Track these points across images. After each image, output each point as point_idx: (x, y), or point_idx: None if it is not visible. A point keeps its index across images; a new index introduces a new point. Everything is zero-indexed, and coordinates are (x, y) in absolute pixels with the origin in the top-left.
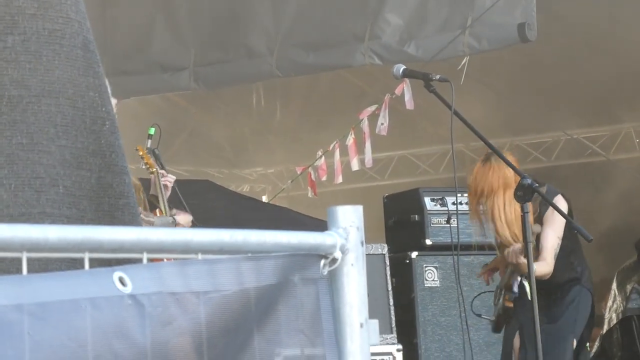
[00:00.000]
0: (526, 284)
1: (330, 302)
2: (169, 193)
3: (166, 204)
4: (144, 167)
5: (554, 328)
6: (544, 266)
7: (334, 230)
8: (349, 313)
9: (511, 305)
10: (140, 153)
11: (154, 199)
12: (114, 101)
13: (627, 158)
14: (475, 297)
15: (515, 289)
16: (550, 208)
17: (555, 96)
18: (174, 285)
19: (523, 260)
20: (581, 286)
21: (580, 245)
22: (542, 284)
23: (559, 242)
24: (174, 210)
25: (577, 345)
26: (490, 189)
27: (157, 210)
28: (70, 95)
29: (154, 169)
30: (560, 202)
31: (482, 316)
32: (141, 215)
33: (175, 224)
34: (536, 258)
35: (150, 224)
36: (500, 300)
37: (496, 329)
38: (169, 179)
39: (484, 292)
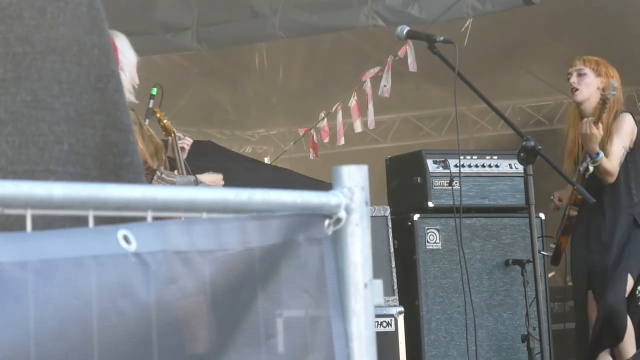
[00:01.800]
0: (591, 168)
1: (334, 262)
2: (185, 155)
3: (184, 166)
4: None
5: (606, 261)
6: (609, 164)
7: (338, 190)
8: (353, 273)
9: (575, 213)
10: (158, 115)
11: (171, 161)
12: (135, 58)
13: None
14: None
15: (582, 168)
16: (618, 119)
17: (557, 59)
18: (179, 244)
19: (596, 130)
20: (635, 223)
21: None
22: (600, 193)
23: (624, 152)
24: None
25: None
26: None
27: (176, 172)
28: (75, 53)
29: (172, 132)
30: (629, 119)
31: (541, 252)
32: (162, 175)
33: (197, 184)
34: None
35: (172, 183)
36: (566, 214)
37: (555, 257)
38: (187, 142)
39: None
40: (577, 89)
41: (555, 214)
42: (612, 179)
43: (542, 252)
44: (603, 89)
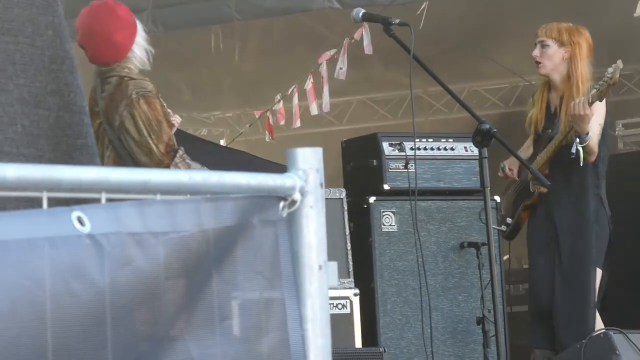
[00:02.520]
0: (581, 148)
1: (289, 244)
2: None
3: None
4: None
5: (574, 252)
6: (594, 143)
7: (293, 172)
8: (307, 255)
9: (545, 190)
10: None
11: None
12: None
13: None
14: (481, 210)
15: (574, 149)
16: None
17: (511, 42)
18: (133, 226)
19: (589, 111)
20: (601, 204)
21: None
22: (567, 172)
23: (600, 129)
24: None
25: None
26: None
27: None
28: (29, 34)
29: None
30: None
31: (494, 227)
32: (184, 155)
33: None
34: None
35: (189, 166)
36: (530, 188)
37: (513, 233)
38: (176, 119)
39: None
40: (539, 62)
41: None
42: (594, 158)
43: (495, 226)
44: (566, 60)
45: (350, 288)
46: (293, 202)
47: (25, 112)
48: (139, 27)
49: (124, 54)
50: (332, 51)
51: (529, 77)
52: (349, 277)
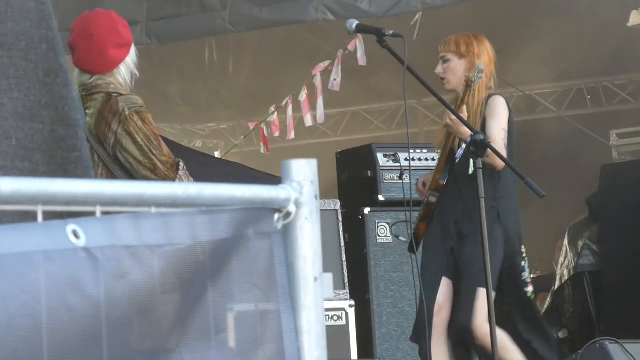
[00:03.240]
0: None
1: (284, 256)
2: None
3: None
4: None
5: (465, 254)
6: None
7: (287, 184)
8: (303, 267)
9: (435, 200)
10: None
11: None
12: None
13: (578, 114)
14: (394, 223)
15: (460, 154)
16: (490, 103)
17: (505, 53)
18: (128, 239)
19: (454, 117)
20: (498, 220)
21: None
22: (464, 181)
23: (505, 134)
24: None
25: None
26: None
27: None
28: (23, 48)
29: None
30: (502, 102)
31: (400, 237)
32: (185, 167)
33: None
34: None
35: (189, 178)
36: (426, 199)
37: (411, 246)
38: None
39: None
40: (443, 79)
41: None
42: (501, 166)
43: (400, 237)
44: (469, 71)
45: (346, 299)
46: (288, 214)
47: (20, 125)
48: (132, 50)
49: (111, 68)
50: (326, 62)
51: (523, 88)
52: (345, 289)
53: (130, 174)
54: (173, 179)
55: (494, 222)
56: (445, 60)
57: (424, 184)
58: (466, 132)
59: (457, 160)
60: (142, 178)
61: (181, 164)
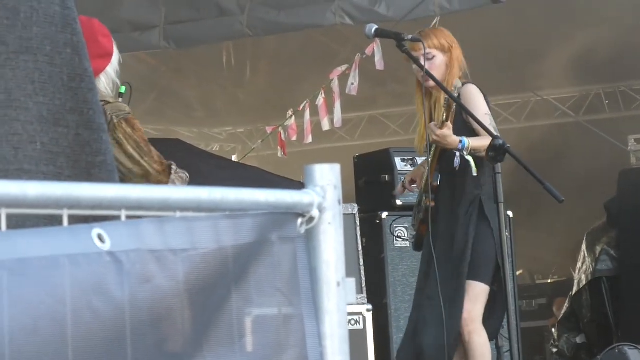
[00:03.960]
0: (469, 158)
1: (307, 261)
2: None
3: None
4: None
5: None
6: (484, 139)
7: (311, 188)
8: (326, 271)
9: (433, 204)
10: None
11: None
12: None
13: (596, 119)
14: (394, 220)
15: (456, 162)
16: (463, 93)
17: (525, 58)
18: (153, 243)
19: (440, 132)
20: (482, 213)
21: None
22: (453, 177)
23: (490, 117)
24: None
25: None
26: None
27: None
28: (48, 52)
29: None
30: (475, 91)
31: (401, 238)
32: (177, 170)
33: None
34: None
35: (182, 179)
36: (422, 204)
37: (417, 244)
38: None
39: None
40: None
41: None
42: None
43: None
44: (446, 67)
45: (363, 304)
46: (311, 219)
47: (45, 130)
48: (115, 59)
49: None
50: (344, 67)
51: (540, 93)
52: (362, 293)
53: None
54: (166, 183)
55: (480, 220)
56: (430, 58)
57: (411, 181)
58: (454, 141)
59: (457, 168)
60: None
61: (173, 166)
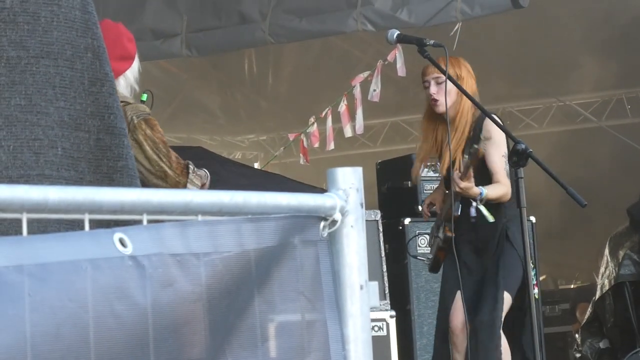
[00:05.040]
0: (482, 208)
1: (330, 264)
2: None
3: None
4: None
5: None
6: (500, 188)
7: (333, 191)
8: (349, 275)
9: (452, 234)
10: None
11: None
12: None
13: (618, 124)
14: (411, 238)
15: (473, 213)
16: (486, 126)
17: (545, 63)
18: (175, 247)
19: (464, 184)
20: (510, 244)
21: (513, 189)
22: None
23: (506, 159)
24: None
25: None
26: None
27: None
28: (69, 57)
29: None
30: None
31: (418, 257)
32: (195, 169)
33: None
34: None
35: (201, 178)
36: (440, 233)
37: (434, 267)
38: None
39: (423, 233)
40: (436, 100)
41: (546, 216)
42: (508, 196)
43: (420, 257)
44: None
45: (387, 310)
46: (334, 222)
47: (66, 135)
48: (136, 64)
49: None
50: (366, 73)
51: (562, 98)
52: (385, 299)
53: (141, 183)
54: (184, 184)
55: (505, 242)
56: (440, 82)
57: (430, 204)
58: (475, 193)
59: (473, 219)
60: (153, 186)
61: (190, 166)
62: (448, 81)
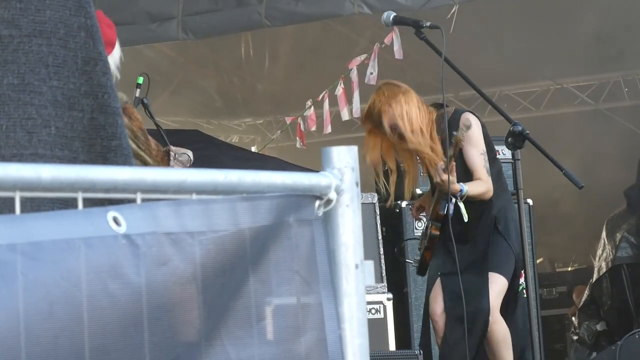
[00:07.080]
0: (461, 204)
1: (325, 243)
2: None
3: None
4: None
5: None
6: (480, 185)
7: (328, 171)
8: (344, 254)
9: (438, 232)
10: None
11: None
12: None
13: (615, 107)
14: (405, 241)
15: (451, 210)
16: (463, 118)
17: (544, 45)
18: (169, 225)
19: (446, 177)
20: (497, 233)
21: (502, 181)
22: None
23: (485, 157)
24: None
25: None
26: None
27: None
28: (62, 36)
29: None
30: (473, 120)
31: (407, 260)
32: (176, 155)
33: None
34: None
35: (182, 161)
36: (428, 231)
37: (420, 269)
38: None
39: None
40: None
41: (542, 198)
42: (490, 194)
43: (407, 260)
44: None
45: (384, 293)
46: (329, 201)
47: (59, 114)
48: (116, 52)
49: None
50: (363, 56)
51: (559, 81)
52: (382, 282)
53: None
54: None
55: (494, 233)
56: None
57: (419, 208)
58: (456, 189)
59: (451, 214)
60: None
61: (172, 152)
62: (445, 63)
